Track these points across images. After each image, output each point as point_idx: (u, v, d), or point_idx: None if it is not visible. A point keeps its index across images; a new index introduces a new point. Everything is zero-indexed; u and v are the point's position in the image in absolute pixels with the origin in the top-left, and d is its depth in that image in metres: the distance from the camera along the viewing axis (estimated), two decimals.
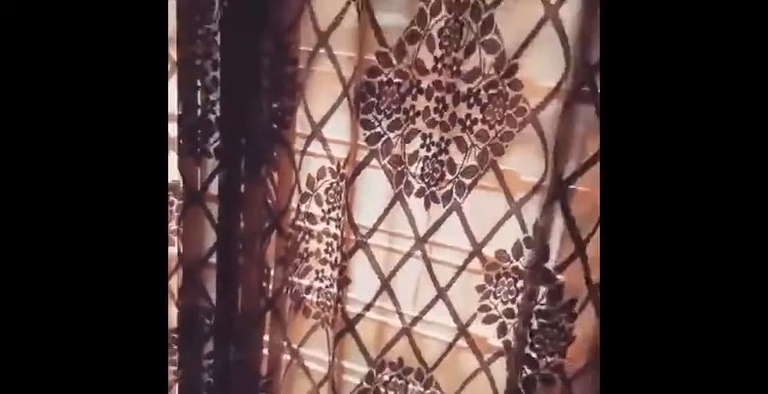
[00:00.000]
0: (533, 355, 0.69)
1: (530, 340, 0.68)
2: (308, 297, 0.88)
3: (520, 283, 0.74)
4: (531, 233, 0.72)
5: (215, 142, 0.85)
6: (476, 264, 0.77)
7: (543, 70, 0.69)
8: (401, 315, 0.81)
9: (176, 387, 1.00)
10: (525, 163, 0.73)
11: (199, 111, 0.85)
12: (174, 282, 0.98)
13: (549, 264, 0.67)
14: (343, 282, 0.80)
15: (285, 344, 0.90)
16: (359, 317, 0.81)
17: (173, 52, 0.87)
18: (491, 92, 0.70)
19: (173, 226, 0.98)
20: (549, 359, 0.68)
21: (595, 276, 0.67)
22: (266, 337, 0.90)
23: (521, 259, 0.74)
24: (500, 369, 0.77)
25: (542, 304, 0.67)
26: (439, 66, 0.71)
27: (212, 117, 0.85)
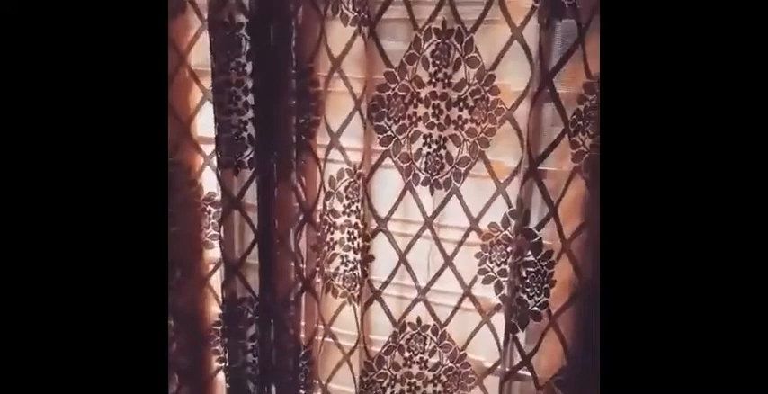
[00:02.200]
0: (524, 297, 0.87)
1: (521, 286, 0.87)
2: (336, 279, 1.05)
3: (509, 248, 0.93)
4: (515, 206, 0.91)
5: (249, 155, 1.02)
6: (473, 236, 0.96)
7: (514, 78, 0.90)
8: (417, 284, 0.98)
9: (221, 372, 1.16)
10: (506, 152, 0.93)
11: (234, 130, 1.02)
12: (215, 281, 1.14)
13: (531, 225, 0.85)
14: (368, 259, 0.97)
15: (319, 322, 1.07)
16: (383, 287, 0.98)
17: (206, 82, 1.05)
18: (476, 97, 0.90)
19: (211, 231, 1.15)
20: (536, 298, 0.87)
21: (567, 232, 0.86)
22: (303, 316, 1.06)
23: (509, 228, 0.93)
24: (499, 320, 0.96)
25: (528, 257, 0.86)
26: (433, 80, 0.90)
27: (245, 134, 1.02)
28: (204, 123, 1.08)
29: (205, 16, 1.00)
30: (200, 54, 1.06)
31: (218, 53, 0.98)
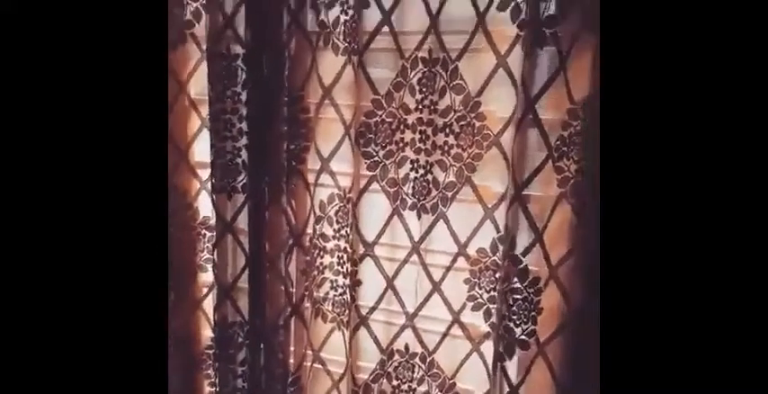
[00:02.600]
0: (511, 325, 0.86)
1: (507, 313, 0.86)
2: (325, 304, 1.05)
3: (498, 274, 0.92)
4: (503, 232, 0.91)
5: (242, 180, 1.04)
6: (461, 262, 0.95)
7: (500, 104, 0.91)
8: (405, 310, 0.98)
9: None
10: (494, 177, 0.93)
11: (228, 156, 1.04)
12: (208, 304, 1.15)
13: (517, 251, 0.85)
14: (355, 283, 0.97)
15: (308, 347, 1.06)
16: (370, 313, 0.98)
17: (204, 110, 1.08)
18: (461, 123, 0.91)
19: (206, 255, 1.16)
20: (524, 327, 0.86)
21: (554, 258, 0.85)
22: (292, 341, 1.06)
23: (497, 254, 0.93)
24: (489, 348, 0.94)
25: (514, 283, 0.85)
26: (420, 106, 0.92)
27: (239, 160, 1.04)
28: (202, 149, 1.11)
29: (204, 47, 1.04)
30: (199, 83, 1.10)
31: (215, 82, 1.01)
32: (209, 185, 1.09)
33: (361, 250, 0.97)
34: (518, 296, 0.85)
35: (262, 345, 1.06)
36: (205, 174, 1.11)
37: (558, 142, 0.83)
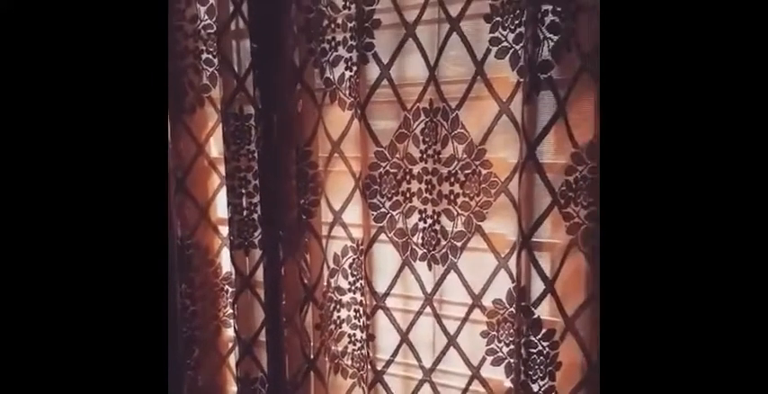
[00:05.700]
0: (527, 381, 0.81)
1: (523, 368, 0.81)
2: (345, 358, 1.03)
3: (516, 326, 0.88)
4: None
5: (258, 236, 1.06)
6: (477, 314, 0.92)
7: (508, 151, 0.89)
8: (421, 364, 0.94)
9: None
10: (505, 224, 0.90)
11: (245, 212, 1.06)
12: (233, 360, 1.15)
13: (528, 302, 0.81)
14: (369, 337, 0.95)
15: None
16: (386, 367, 0.95)
17: (221, 168, 1.12)
18: (466, 172, 0.89)
19: (229, 310, 1.17)
20: (540, 383, 0.81)
21: (569, 309, 0.81)
22: None
23: (514, 305, 0.89)
24: None
25: (528, 336, 0.81)
26: (424, 156, 0.91)
27: (255, 216, 1.06)
28: (223, 207, 1.14)
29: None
30: (219, 143, 1.14)
31: (230, 142, 1.05)
32: (229, 241, 1.11)
33: (373, 303, 0.95)
34: (533, 350, 0.81)
35: None
36: (226, 230, 1.14)
37: (564, 188, 0.80)
